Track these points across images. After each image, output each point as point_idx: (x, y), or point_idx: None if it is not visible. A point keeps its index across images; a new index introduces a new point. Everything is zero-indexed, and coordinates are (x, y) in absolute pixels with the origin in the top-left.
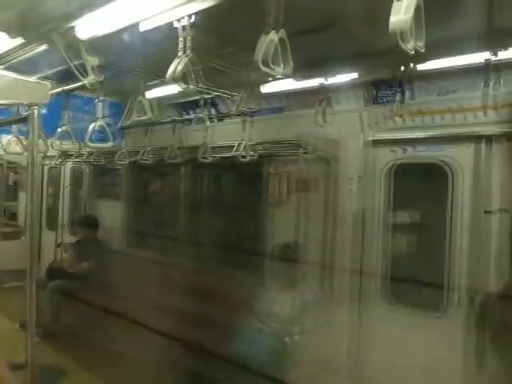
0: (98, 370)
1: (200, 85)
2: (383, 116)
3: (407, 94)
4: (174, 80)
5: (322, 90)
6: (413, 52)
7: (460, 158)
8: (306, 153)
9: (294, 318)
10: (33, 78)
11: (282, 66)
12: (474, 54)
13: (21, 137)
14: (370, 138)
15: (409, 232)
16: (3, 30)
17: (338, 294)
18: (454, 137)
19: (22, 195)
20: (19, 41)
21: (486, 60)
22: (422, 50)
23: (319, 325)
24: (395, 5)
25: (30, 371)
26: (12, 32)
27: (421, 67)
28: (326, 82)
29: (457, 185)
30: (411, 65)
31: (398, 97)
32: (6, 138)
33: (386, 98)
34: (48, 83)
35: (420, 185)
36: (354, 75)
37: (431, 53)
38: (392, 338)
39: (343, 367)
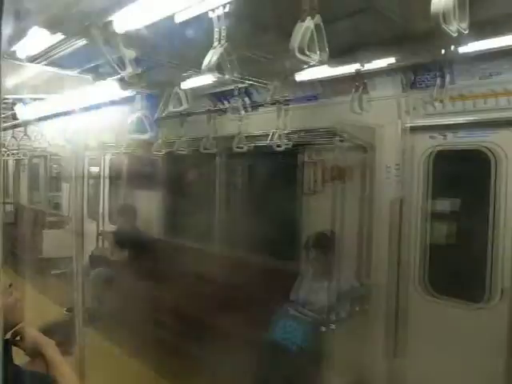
0: (140, 353)
1: (235, 74)
2: (422, 101)
3: (447, 77)
4: (210, 71)
5: (358, 77)
6: (456, 34)
7: (504, 143)
8: (341, 141)
9: (330, 307)
10: (74, 73)
11: (318, 52)
12: None
13: None
14: (408, 125)
15: (448, 221)
16: (44, 27)
17: (375, 285)
18: (497, 122)
19: (65, 186)
20: (59, 37)
21: None
22: (466, 32)
23: (355, 314)
24: None
25: (79, 354)
26: (52, 28)
27: (462, 49)
28: (362, 68)
29: (500, 172)
30: (452, 47)
31: (437, 81)
32: None
33: (425, 83)
34: (89, 77)
35: (461, 172)
36: (391, 60)
37: (473, 34)
38: (431, 331)
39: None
